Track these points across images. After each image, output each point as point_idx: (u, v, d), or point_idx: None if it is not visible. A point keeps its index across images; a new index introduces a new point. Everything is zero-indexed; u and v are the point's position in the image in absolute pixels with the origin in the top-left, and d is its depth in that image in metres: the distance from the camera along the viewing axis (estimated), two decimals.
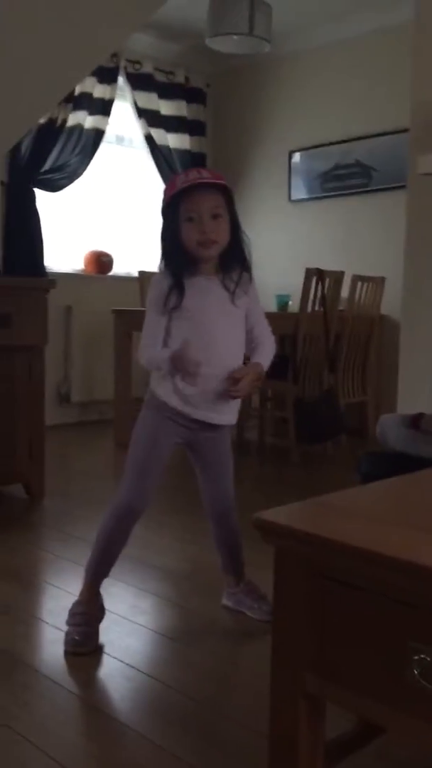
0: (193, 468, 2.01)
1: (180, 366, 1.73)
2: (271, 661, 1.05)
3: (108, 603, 2.05)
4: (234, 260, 1.83)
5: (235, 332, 1.86)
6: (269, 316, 4.50)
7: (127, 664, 1.73)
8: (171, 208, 1.75)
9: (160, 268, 1.83)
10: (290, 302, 4.47)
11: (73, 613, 1.85)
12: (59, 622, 1.92)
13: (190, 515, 3.00)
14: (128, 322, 4.07)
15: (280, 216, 5.39)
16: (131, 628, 1.93)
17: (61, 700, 1.58)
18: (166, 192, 1.79)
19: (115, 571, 2.24)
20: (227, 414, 1.89)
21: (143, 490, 1.85)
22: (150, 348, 1.81)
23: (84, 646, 1.78)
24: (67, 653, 1.77)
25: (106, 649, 1.80)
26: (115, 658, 1.76)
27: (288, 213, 5.34)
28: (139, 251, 5.14)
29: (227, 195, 1.78)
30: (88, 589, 1.88)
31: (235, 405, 1.90)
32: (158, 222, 1.84)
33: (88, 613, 1.85)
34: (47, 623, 1.94)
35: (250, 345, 1.92)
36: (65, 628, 1.86)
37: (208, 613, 2.04)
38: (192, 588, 2.21)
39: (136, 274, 4.66)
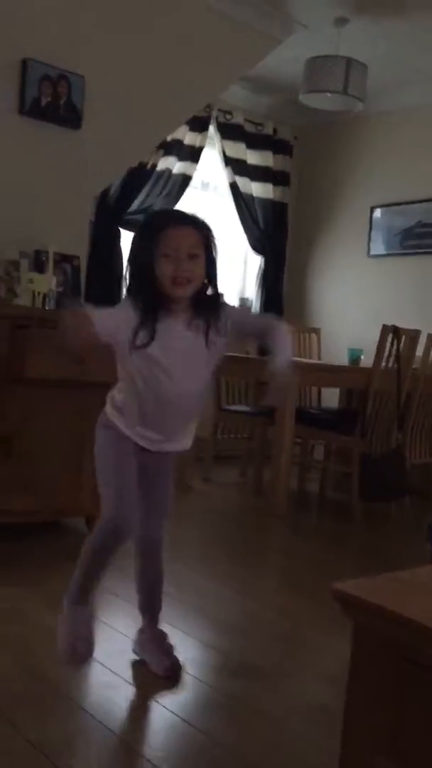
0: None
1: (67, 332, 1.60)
2: (341, 740, 1.02)
3: None
4: (207, 301, 1.77)
5: (198, 382, 1.80)
6: (341, 369, 4.46)
7: (181, 718, 1.70)
8: (147, 242, 1.70)
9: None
10: (362, 357, 4.43)
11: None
12: (112, 664, 1.92)
13: (249, 568, 2.97)
14: None
15: (358, 270, 5.38)
16: (186, 680, 1.90)
17: (113, 747, 1.55)
18: (144, 227, 1.80)
19: (173, 619, 2.22)
20: (181, 441, 1.87)
21: (123, 508, 1.80)
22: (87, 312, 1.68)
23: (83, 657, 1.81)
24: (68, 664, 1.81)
25: (161, 700, 1.77)
26: (168, 709, 1.73)
27: (366, 268, 5.33)
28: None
29: (205, 234, 1.74)
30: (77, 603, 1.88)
31: (189, 432, 1.87)
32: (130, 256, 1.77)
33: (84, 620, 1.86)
34: (101, 664, 1.92)
35: (257, 334, 1.95)
36: (118, 670, 1.84)
37: (262, 673, 1.99)
38: (248, 646, 2.17)
39: None
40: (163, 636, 1.97)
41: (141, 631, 1.99)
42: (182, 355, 1.75)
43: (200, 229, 1.73)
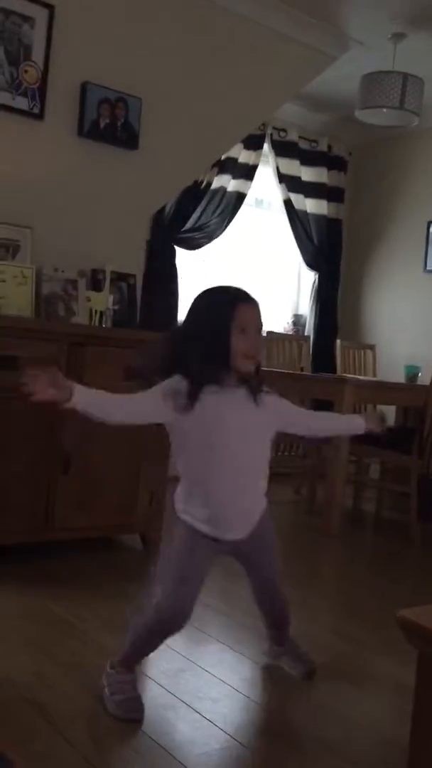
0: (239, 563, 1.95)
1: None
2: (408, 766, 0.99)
3: (222, 673, 2.01)
4: (257, 376, 1.79)
5: (258, 446, 1.83)
6: (398, 386, 4.41)
7: (237, 741, 1.68)
8: (222, 314, 1.70)
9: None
10: (420, 374, 4.35)
11: (118, 682, 1.78)
12: (169, 684, 1.91)
13: (301, 587, 2.93)
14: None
15: (414, 286, 5.31)
16: (242, 702, 1.88)
17: None
18: (216, 295, 1.77)
19: (225, 639, 2.21)
20: (257, 514, 1.88)
21: (185, 599, 1.73)
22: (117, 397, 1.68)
23: (137, 712, 1.73)
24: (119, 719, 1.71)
25: (216, 721, 1.75)
26: (224, 731, 1.71)
27: (423, 283, 5.25)
28: (268, 310, 5.20)
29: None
30: (123, 668, 1.82)
31: (261, 500, 1.90)
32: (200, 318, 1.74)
33: (131, 681, 1.80)
34: (158, 684, 1.91)
35: (305, 426, 1.99)
36: (175, 690, 1.84)
37: (318, 696, 1.95)
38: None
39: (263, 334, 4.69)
40: (294, 646, 2.07)
41: (272, 648, 2.08)
42: (236, 423, 1.74)
43: (259, 308, 1.77)
